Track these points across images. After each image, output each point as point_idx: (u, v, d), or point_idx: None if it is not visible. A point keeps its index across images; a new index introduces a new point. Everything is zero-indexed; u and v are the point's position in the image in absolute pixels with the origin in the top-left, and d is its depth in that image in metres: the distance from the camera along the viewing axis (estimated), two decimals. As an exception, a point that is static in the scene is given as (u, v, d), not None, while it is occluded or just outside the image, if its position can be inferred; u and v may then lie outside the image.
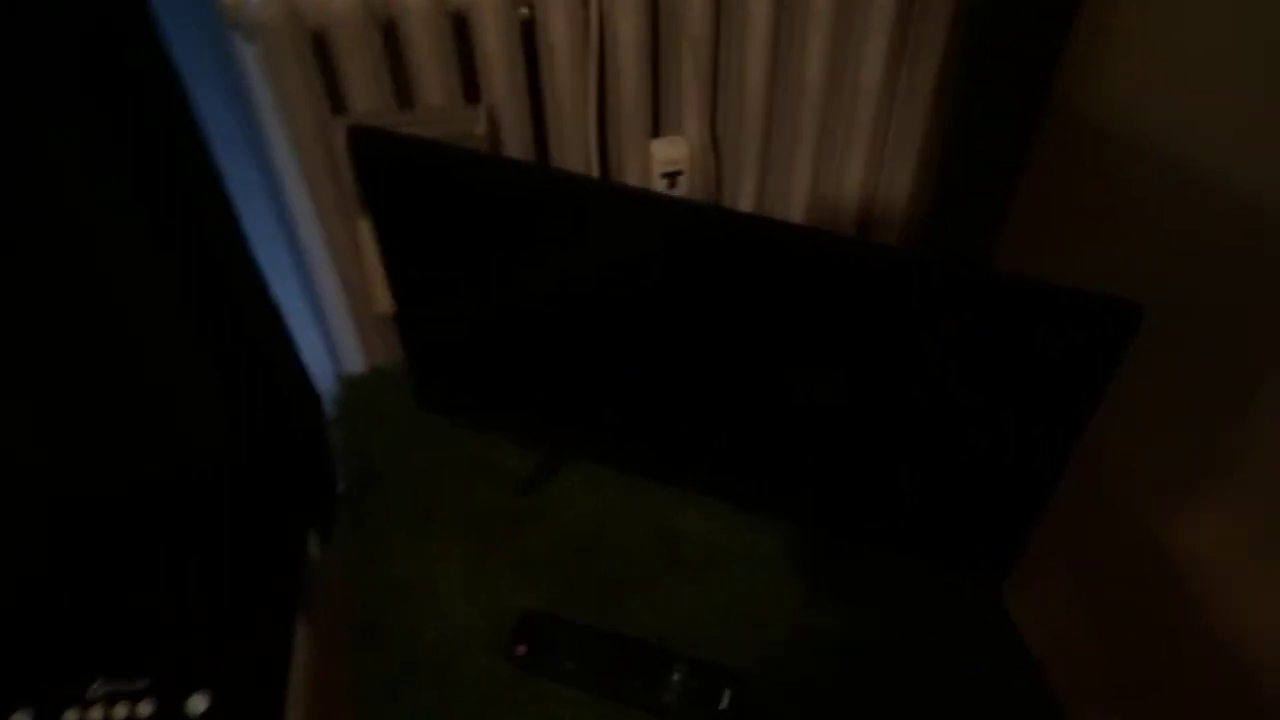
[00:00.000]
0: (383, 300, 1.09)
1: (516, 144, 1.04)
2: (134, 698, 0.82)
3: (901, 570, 0.91)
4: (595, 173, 1.09)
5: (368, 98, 0.97)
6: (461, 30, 0.97)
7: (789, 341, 0.76)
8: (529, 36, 0.99)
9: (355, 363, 1.25)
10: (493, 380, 0.97)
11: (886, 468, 0.81)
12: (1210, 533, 0.96)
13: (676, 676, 0.83)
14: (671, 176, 1.11)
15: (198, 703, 0.81)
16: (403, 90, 0.99)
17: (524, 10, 0.97)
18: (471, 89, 1.01)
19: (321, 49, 0.95)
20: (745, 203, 1.18)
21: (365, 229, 1.04)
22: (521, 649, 0.84)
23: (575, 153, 1.07)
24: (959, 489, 0.78)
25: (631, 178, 1.11)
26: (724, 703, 0.82)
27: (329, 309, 1.20)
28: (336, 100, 0.98)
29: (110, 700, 0.81)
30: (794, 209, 1.22)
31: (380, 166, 0.80)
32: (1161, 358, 0.94)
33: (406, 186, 0.81)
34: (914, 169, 1.23)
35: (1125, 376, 0.65)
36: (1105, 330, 0.61)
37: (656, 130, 1.11)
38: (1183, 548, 1.00)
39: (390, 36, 0.96)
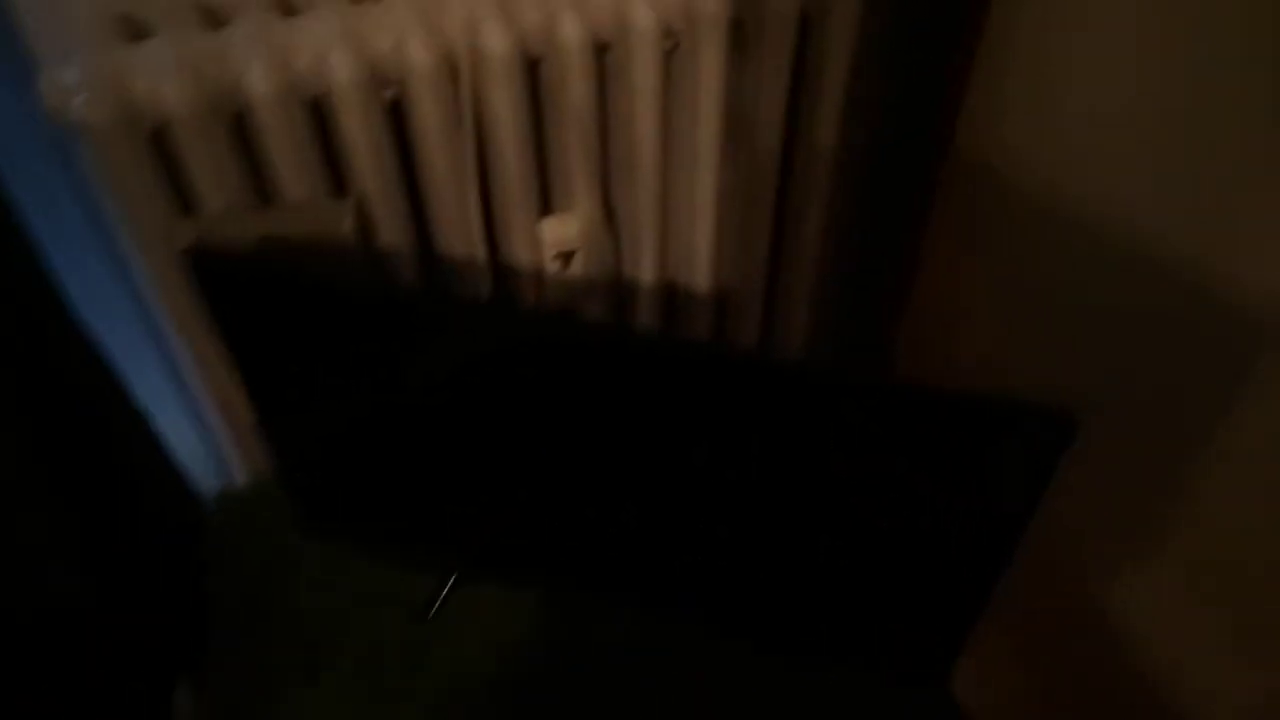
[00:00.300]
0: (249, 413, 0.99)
1: (392, 235, 0.96)
2: None
3: (842, 678, 0.85)
4: (482, 259, 1.01)
5: (220, 197, 0.88)
6: (323, 117, 0.89)
7: (696, 453, 0.69)
8: (397, 119, 0.91)
9: (238, 474, 1.14)
10: (375, 501, 0.88)
11: (815, 579, 0.74)
12: (1161, 611, 0.91)
13: None
14: (565, 256, 1.04)
15: None
16: (261, 185, 0.90)
17: (389, 93, 0.89)
18: (340, 179, 0.92)
19: (165, 147, 0.85)
20: (646, 277, 1.12)
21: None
22: None
23: (458, 240, 0.99)
24: (897, 599, 0.72)
25: (522, 260, 1.04)
26: None
27: (206, 418, 1.09)
28: (188, 199, 0.89)
29: None
30: (698, 279, 1.16)
31: (226, 287, 0.71)
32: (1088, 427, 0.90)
33: (256, 305, 0.72)
34: (818, 230, 1.19)
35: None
36: (1040, 441, 0.56)
37: (548, 208, 1.04)
38: (1131, 625, 0.95)
39: (244, 128, 0.87)
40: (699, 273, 1.15)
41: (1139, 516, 0.92)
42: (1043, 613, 1.08)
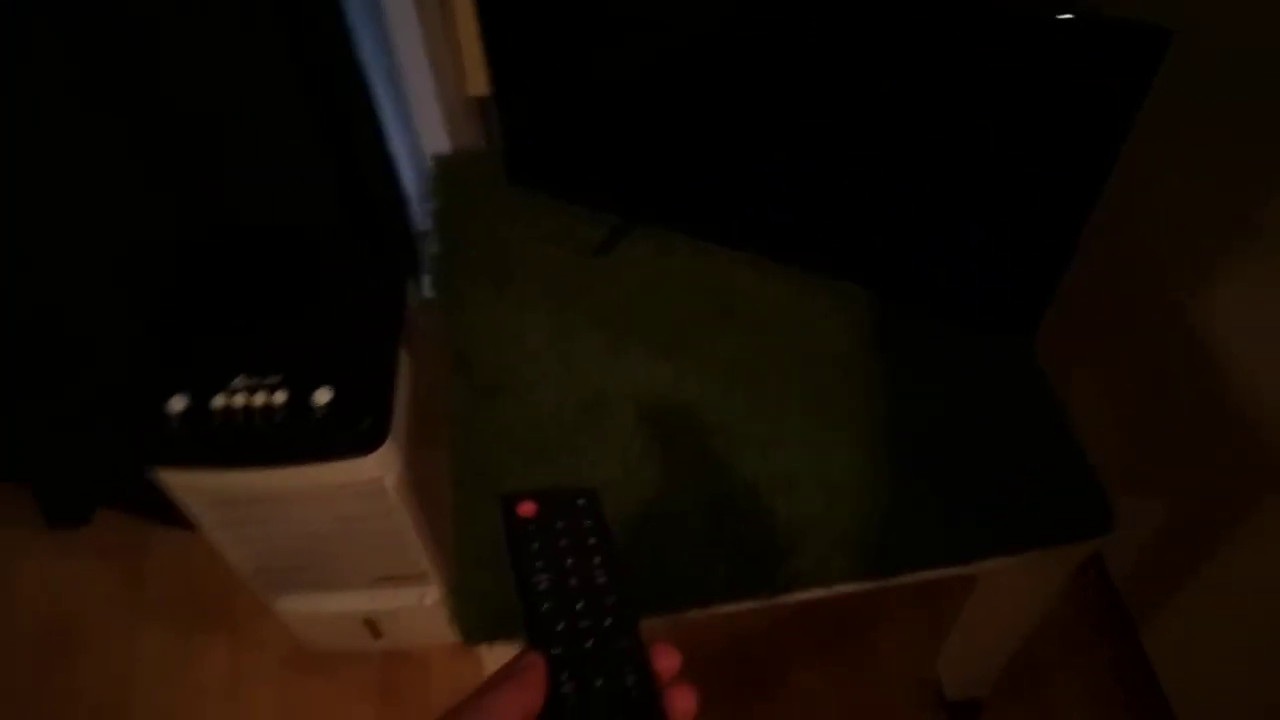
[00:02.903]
0: (476, 81, 1.19)
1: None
2: (270, 389, 0.97)
3: (941, 330, 1.00)
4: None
5: None
6: None
7: (840, 96, 0.84)
8: None
9: (439, 145, 1.35)
10: (576, 151, 1.07)
11: (923, 217, 0.90)
12: (1243, 313, 1.02)
13: None
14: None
15: (322, 394, 0.96)
16: None
17: None
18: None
19: None
20: None
21: (463, 7, 1.12)
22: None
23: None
24: (990, 238, 0.87)
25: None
26: None
27: (414, 93, 1.30)
28: None
29: (250, 390, 0.97)
30: None
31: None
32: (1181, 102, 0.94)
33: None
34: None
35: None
36: (1130, 58, 0.68)
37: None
38: (1212, 324, 1.06)
39: None
40: None
41: (1216, 204, 0.99)
42: (1126, 297, 1.20)
